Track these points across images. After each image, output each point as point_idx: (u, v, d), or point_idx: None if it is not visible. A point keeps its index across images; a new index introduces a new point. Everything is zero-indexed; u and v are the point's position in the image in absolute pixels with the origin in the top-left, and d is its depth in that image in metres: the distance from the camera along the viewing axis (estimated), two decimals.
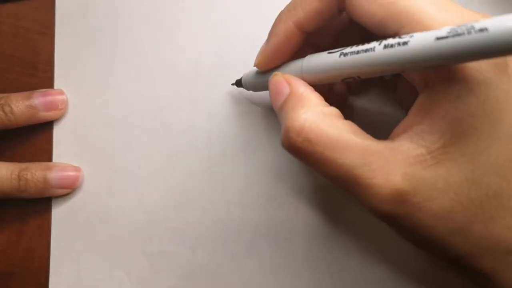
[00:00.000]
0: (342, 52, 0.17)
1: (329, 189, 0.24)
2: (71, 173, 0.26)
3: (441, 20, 0.15)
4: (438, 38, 0.14)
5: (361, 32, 0.19)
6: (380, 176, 0.16)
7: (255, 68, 0.22)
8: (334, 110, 0.18)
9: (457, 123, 0.16)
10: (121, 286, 0.26)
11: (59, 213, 0.26)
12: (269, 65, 0.21)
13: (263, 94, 0.25)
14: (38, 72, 0.27)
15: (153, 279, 0.25)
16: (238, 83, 0.24)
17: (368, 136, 0.17)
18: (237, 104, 0.26)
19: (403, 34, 0.16)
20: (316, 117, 0.17)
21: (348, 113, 0.19)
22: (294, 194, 0.25)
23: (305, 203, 0.25)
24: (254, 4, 0.26)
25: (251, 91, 0.24)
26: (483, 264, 0.17)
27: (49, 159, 0.27)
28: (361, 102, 0.24)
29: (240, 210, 0.25)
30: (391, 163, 0.16)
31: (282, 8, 0.20)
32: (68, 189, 0.26)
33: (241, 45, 0.26)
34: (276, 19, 0.20)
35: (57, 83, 0.27)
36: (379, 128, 0.19)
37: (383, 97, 0.24)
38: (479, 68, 0.15)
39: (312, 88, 0.19)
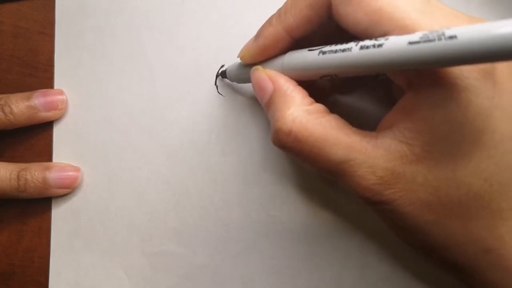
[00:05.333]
0: (321, 50, 0.18)
1: (329, 189, 0.24)
2: (70, 173, 0.26)
3: (425, 25, 0.15)
4: (411, 43, 0.14)
5: (348, 38, 0.19)
6: (363, 169, 0.17)
7: (238, 61, 0.22)
8: (318, 107, 0.19)
9: (436, 127, 0.16)
10: (121, 286, 0.26)
11: (59, 213, 0.26)
12: (253, 60, 0.21)
13: (248, 86, 0.25)
14: (38, 72, 0.27)
15: (153, 279, 0.25)
16: (223, 73, 0.25)
17: (353, 129, 0.18)
18: (237, 104, 0.26)
19: None
20: (302, 118, 0.18)
21: (333, 106, 0.20)
22: (294, 194, 0.25)
23: (305, 203, 0.25)
24: (254, 4, 0.26)
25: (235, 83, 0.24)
26: (460, 259, 0.17)
27: (49, 159, 0.27)
28: (346, 97, 0.24)
29: (240, 210, 0.25)
30: (374, 158, 0.17)
31: None
32: (68, 189, 0.26)
33: (241, 46, 0.26)
34: (266, 22, 0.20)
35: (57, 83, 0.27)
36: (364, 119, 0.19)
37: (369, 94, 0.24)
38: (461, 74, 0.15)
39: (295, 83, 0.20)
